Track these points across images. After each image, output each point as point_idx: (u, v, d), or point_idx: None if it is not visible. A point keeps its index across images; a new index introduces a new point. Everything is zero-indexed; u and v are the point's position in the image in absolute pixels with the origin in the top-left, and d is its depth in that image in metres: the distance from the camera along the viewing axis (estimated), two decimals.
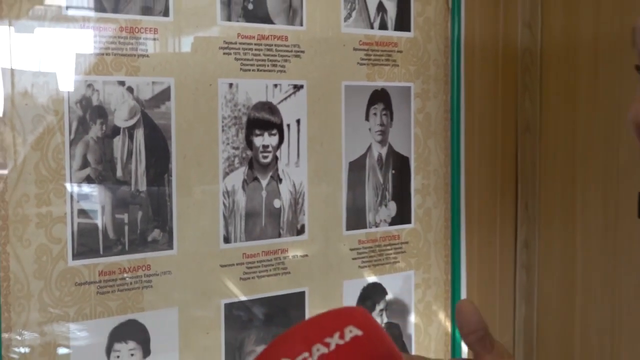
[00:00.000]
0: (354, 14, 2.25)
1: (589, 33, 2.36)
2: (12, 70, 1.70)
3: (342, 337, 0.85)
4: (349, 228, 2.22)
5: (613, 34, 2.27)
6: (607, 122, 2.32)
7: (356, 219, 2.24)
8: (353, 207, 2.22)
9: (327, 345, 0.84)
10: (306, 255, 2.14)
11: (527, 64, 2.49)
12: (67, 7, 1.79)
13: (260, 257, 2.06)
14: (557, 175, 2.46)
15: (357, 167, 2.23)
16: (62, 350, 1.81)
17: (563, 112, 2.44)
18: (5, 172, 1.70)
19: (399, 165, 2.31)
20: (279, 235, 2.09)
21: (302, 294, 2.13)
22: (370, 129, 2.26)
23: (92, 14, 1.82)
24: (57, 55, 1.78)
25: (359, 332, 0.85)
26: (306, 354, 0.83)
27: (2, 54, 1.68)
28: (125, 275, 1.87)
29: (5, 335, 1.71)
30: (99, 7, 1.84)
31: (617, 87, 2.27)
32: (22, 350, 1.76)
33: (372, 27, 2.29)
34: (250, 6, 2.07)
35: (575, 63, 2.41)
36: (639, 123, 0.99)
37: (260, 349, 1.95)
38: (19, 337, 1.74)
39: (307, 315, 2.06)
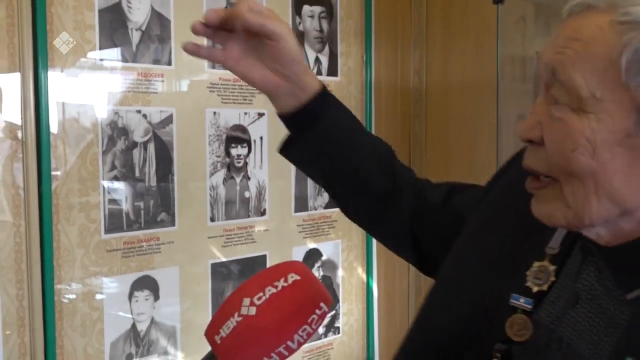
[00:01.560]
0: None
1: (457, 76, 2.40)
2: (63, 103, 1.67)
3: (285, 280, 0.87)
4: (296, 211, 2.21)
5: (472, 77, 2.31)
6: (470, 138, 2.36)
7: (301, 204, 2.23)
8: (299, 196, 2.22)
9: (276, 287, 0.86)
10: (267, 230, 2.14)
11: (416, 98, 2.51)
12: (101, 59, 1.78)
13: (235, 231, 2.05)
14: (437, 175, 2.50)
15: None
16: (98, 297, 1.80)
17: (441, 131, 2.48)
18: (58, 173, 1.69)
19: None
20: (249, 216, 2.07)
21: (264, 256, 2.13)
22: None
23: (118, 64, 1.81)
24: (94, 92, 1.77)
25: (297, 277, 0.88)
26: (261, 294, 0.85)
27: (57, 92, 1.66)
28: (142, 244, 1.87)
29: (57, 287, 1.71)
30: (123, 58, 1.82)
31: (476, 113, 2.31)
32: (70, 296, 1.76)
33: None
34: None
35: (449, 97, 2.44)
36: (521, 137, 0.87)
37: None
38: (67, 287, 1.73)
39: None
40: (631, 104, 0.79)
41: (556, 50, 0.83)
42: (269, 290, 0.86)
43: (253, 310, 0.84)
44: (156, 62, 1.89)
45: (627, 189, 0.82)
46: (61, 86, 1.69)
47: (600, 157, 0.81)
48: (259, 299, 0.85)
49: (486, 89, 2.25)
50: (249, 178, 2.12)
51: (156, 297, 1.90)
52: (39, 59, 1.65)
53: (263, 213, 2.14)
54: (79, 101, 1.73)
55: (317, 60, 2.30)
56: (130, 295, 1.87)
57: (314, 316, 0.87)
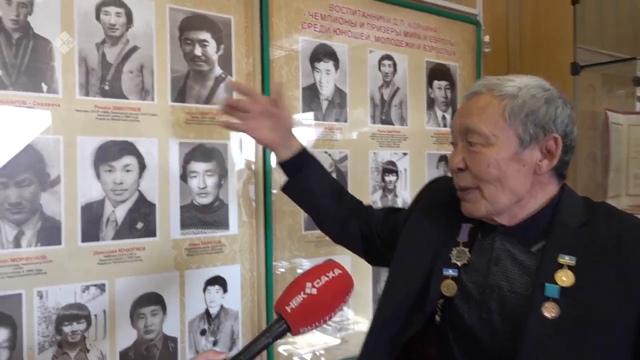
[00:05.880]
0: (431, 120, 2.19)
1: None
2: None
3: (333, 273, 0.90)
4: None
5: None
6: None
7: None
8: None
9: (328, 276, 0.89)
10: None
11: None
12: (303, 119, 1.82)
13: None
14: None
15: None
16: (299, 270, 1.78)
17: None
18: (275, 191, 1.70)
19: None
20: None
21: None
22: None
23: (313, 122, 1.85)
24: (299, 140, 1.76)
25: (340, 271, 0.91)
26: (318, 280, 0.88)
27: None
28: (326, 239, 1.65)
29: (274, 263, 1.70)
30: (316, 118, 1.85)
31: None
32: (282, 270, 1.76)
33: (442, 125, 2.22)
34: (384, 117, 2.02)
35: None
36: (454, 168, 1.04)
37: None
38: (280, 264, 1.74)
39: None
40: (514, 135, 0.99)
41: (467, 116, 1.01)
42: (324, 278, 0.88)
43: (315, 291, 0.87)
44: (337, 120, 1.91)
45: (518, 185, 1.00)
46: None
47: (502, 168, 0.99)
48: (318, 283, 0.87)
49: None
50: (396, 196, 2.08)
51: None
52: None
53: None
54: None
55: (443, 117, 2.23)
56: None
57: (347, 297, 0.91)
